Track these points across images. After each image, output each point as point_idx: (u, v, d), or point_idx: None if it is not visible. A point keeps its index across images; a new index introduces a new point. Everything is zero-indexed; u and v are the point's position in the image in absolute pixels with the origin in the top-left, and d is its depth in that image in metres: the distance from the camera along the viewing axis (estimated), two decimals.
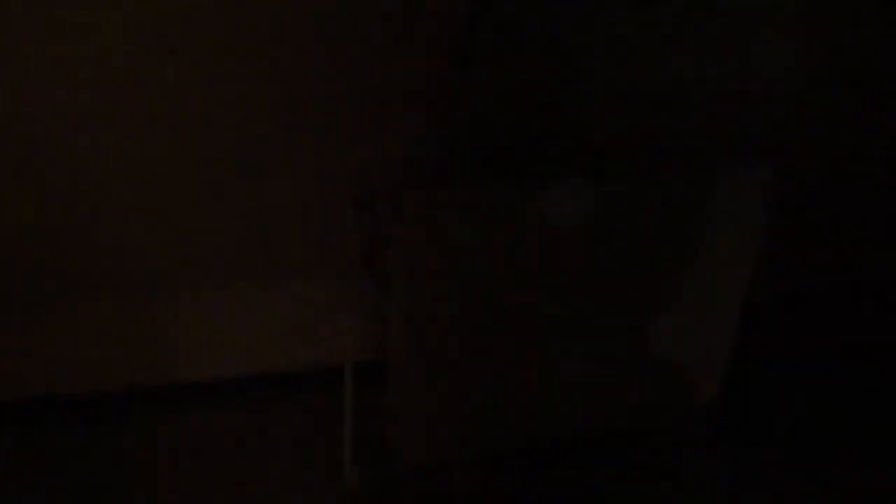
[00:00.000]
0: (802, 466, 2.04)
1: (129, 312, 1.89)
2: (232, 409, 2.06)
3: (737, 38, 1.81)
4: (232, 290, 1.92)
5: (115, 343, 1.93)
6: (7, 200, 1.64)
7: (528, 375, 1.92)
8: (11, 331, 1.82)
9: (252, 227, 1.81)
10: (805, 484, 1.98)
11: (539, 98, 1.74)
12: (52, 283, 1.80)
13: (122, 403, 2.06)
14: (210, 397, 2.09)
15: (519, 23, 1.60)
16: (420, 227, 1.61)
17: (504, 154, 1.81)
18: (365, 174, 1.71)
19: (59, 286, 1.80)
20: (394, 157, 1.69)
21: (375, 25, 1.52)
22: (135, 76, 1.53)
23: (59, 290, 1.81)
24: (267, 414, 2.07)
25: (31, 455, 1.91)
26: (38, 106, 1.53)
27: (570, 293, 1.81)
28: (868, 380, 2.24)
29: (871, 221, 2.24)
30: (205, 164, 1.68)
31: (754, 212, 1.84)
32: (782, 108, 1.94)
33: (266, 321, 2.02)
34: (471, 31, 1.54)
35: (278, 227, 1.82)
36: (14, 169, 1.59)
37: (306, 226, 1.83)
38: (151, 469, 1.92)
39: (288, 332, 2.04)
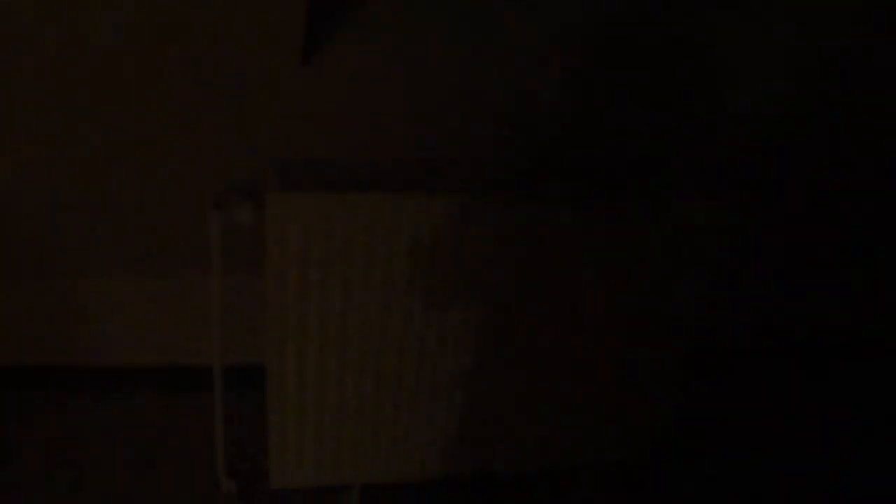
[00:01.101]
0: None
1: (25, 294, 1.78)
2: (132, 399, 1.92)
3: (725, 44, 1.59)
4: (130, 280, 1.78)
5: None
6: None
7: (418, 401, 1.69)
8: None
9: (140, 222, 1.69)
10: None
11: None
12: None
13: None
14: (110, 386, 1.93)
15: None
16: (283, 228, 1.43)
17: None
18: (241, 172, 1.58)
19: None
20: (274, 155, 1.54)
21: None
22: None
23: None
24: (164, 409, 1.91)
25: None
26: None
27: (475, 312, 1.60)
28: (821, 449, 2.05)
29: (854, 273, 2.01)
30: (94, 158, 1.56)
31: (705, 251, 1.63)
32: (758, 133, 1.72)
33: (163, 314, 1.84)
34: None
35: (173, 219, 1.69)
36: None
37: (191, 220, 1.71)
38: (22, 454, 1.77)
39: (187, 326, 1.86)
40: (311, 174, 1.53)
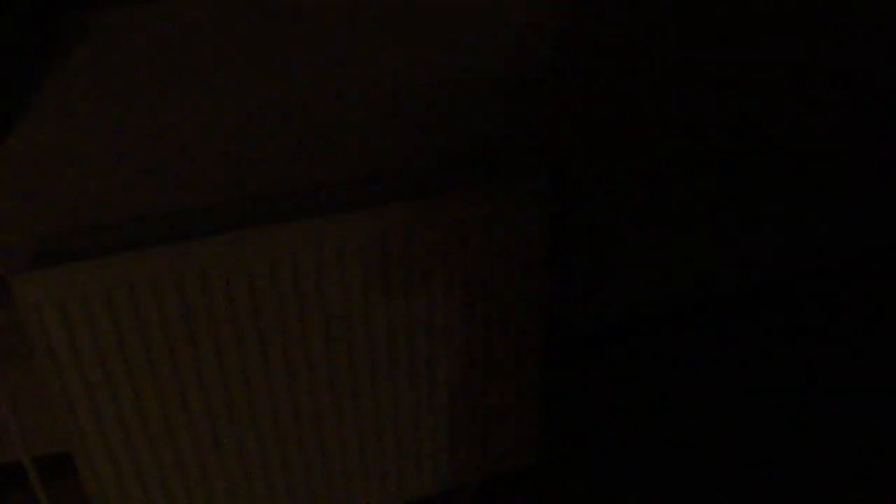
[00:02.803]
0: None
1: None
2: None
3: None
4: None
5: None
6: None
7: (246, 458, 1.55)
8: None
9: None
10: None
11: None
12: None
13: None
14: None
15: None
16: (37, 310, 1.29)
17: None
18: None
19: None
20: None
21: None
22: None
23: None
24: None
25: None
26: None
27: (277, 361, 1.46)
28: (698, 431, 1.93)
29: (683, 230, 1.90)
30: None
31: (530, 231, 1.51)
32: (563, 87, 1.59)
33: None
34: None
35: None
36: None
37: None
38: None
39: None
40: (54, 247, 1.37)
